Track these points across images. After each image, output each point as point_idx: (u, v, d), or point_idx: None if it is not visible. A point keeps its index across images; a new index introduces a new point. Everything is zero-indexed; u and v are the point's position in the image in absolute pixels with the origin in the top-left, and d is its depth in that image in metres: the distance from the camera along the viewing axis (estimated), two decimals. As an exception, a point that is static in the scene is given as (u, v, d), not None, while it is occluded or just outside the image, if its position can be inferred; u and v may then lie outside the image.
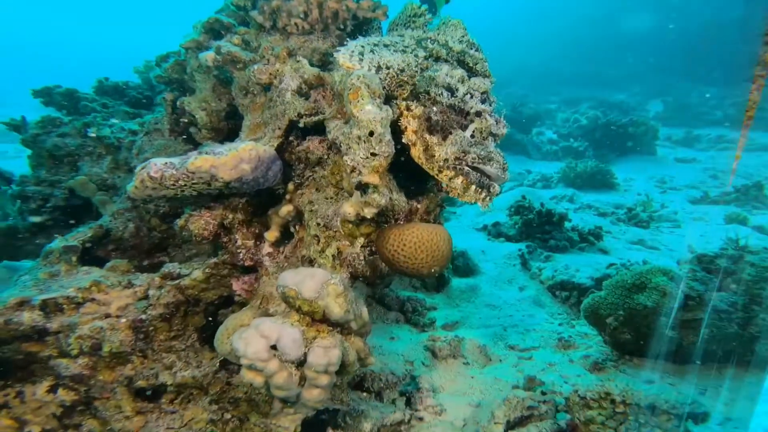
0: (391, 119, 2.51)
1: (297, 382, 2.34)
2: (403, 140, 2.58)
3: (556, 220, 7.50)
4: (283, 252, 3.19)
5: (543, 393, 3.71)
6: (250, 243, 3.11)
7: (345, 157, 2.44)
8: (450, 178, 2.50)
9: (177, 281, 2.97)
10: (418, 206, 2.82)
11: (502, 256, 6.93)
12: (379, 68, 2.67)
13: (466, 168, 2.47)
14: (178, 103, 3.46)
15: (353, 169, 2.46)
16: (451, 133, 2.49)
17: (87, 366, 2.58)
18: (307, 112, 2.78)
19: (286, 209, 2.89)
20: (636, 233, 8.74)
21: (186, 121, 3.46)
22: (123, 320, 2.58)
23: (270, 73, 2.87)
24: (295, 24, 3.26)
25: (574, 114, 19.82)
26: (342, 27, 3.46)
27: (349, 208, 2.57)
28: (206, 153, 2.39)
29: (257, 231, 3.15)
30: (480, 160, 2.45)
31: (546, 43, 32.93)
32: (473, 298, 5.65)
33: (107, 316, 2.60)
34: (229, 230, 3.05)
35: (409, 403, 3.69)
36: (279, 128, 2.81)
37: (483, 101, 2.60)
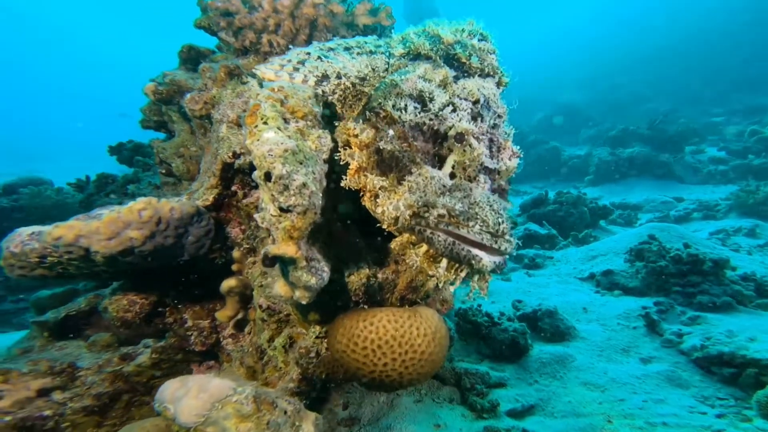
0: (330, 149, 1.63)
1: None
2: (343, 184, 1.67)
3: (709, 267, 5.54)
4: (251, 333, 2.45)
5: None
6: (205, 323, 2.43)
7: (256, 215, 1.61)
8: (412, 245, 1.53)
9: (119, 367, 2.40)
10: (396, 279, 1.85)
11: (615, 316, 5.25)
12: (323, 78, 1.82)
13: (429, 232, 1.48)
14: (154, 150, 2.97)
15: (268, 233, 1.62)
16: (411, 172, 1.53)
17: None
18: (244, 150, 2.02)
19: (227, 284, 2.15)
20: None
21: (163, 171, 2.94)
22: (7, 418, 2.03)
23: (205, 102, 2.20)
24: (268, 41, 2.58)
25: (752, 125, 15.74)
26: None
27: (280, 290, 1.72)
28: (77, 217, 1.75)
29: (218, 308, 2.46)
30: (452, 220, 1.44)
31: (698, 47, 26.89)
32: (561, 373, 4.22)
33: (-7, 411, 2.07)
34: (176, 308, 2.39)
35: None
36: (213, 175, 2.10)
37: (474, 116, 1.59)
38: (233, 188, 2.16)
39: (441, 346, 1.70)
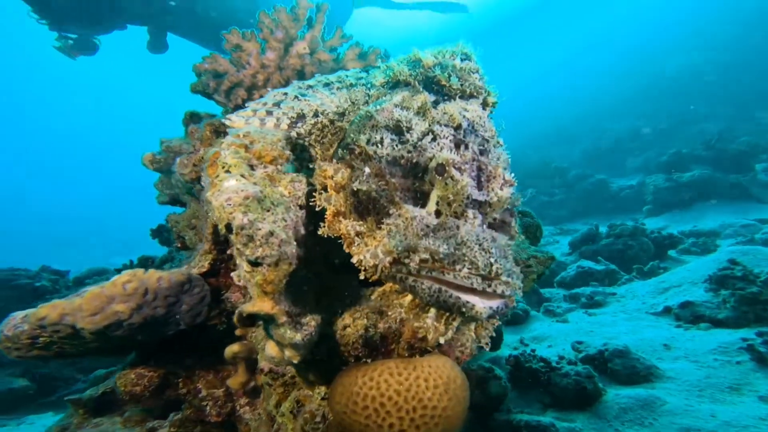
0: (305, 194, 1.50)
1: None
2: (320, 232, 1.52)
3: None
4: (264, 399, 2.27)
5: None
6: (219, 392, 2.27)
7: (232, 274, 1.49)
8: (397, 294, 1.36)
9: (139, 446, 2.27)
10: (401, 328, 1.63)
11: (708, 351, 4.56)
12: (298, 118, 1.74)
13: (411, 279, 1.31)
14: (169, 224, 2.98)
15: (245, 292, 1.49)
16: (389, 213, 1.37)
17: None
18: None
19: (230, 351, 2.00)
20: None
21: (179, 245, 2.93)
22: None
23: (194, 164, 2.18)
24: (260, 96, 2.60)
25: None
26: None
27: (271, 351, 1.57)
28: (68, 296, 1.71)
29: (231, 375, 2.31)
30: (436, 265, 1.28)
31: (748, 59, 24.59)
32: (650, 419, 3.61)
33: None
34: (189, 378, 2.26)
35: None
36: (207, 240, 2.03)
37: (457, 144, 1.44)
38: (229, 252, 2.07)
39: (458, 398, 1.44)
